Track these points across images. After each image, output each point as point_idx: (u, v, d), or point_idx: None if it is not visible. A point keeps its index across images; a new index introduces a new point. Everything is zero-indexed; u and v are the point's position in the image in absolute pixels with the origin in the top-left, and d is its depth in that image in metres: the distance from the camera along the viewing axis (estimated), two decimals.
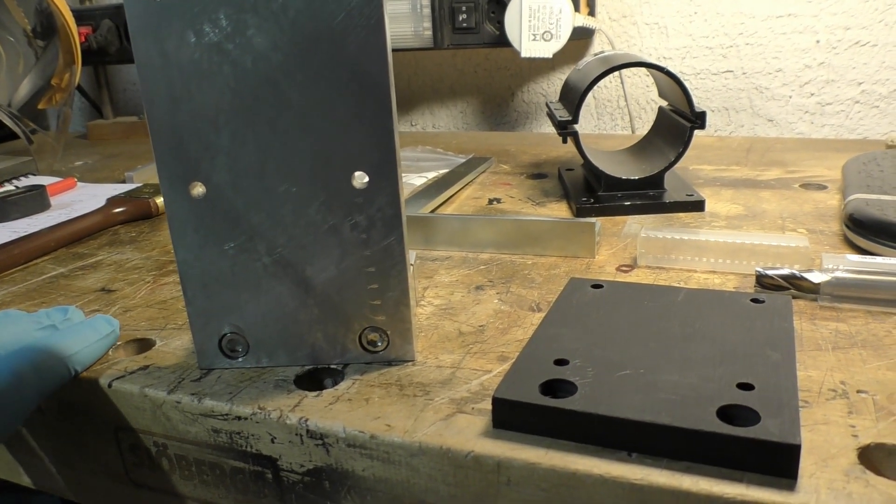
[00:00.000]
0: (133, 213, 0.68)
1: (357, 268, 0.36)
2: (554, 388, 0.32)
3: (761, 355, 0.34)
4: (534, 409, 0.31)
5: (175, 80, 0.34)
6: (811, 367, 0.36)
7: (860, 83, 0.89)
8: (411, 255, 0.45)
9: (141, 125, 1.13)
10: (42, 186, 0.74)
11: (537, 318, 0.42)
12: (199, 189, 0.36)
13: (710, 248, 0.48)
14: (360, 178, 0.35)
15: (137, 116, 1.15)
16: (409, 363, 0.38)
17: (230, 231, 0.36)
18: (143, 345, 0.43)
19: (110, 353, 0.42)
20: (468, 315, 0.43)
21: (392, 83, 0.33)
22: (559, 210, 0.62)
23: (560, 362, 0.34)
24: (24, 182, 0.82)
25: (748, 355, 0.34)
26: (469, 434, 0.31)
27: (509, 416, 0.31)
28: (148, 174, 0.83)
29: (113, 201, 0.69)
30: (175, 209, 0.36)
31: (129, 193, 0.71)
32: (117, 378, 0.39)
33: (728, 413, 0.30)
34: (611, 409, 0.30)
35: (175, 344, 0.43)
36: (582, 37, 0.94)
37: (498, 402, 0.32)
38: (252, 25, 0.33)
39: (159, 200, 0.69)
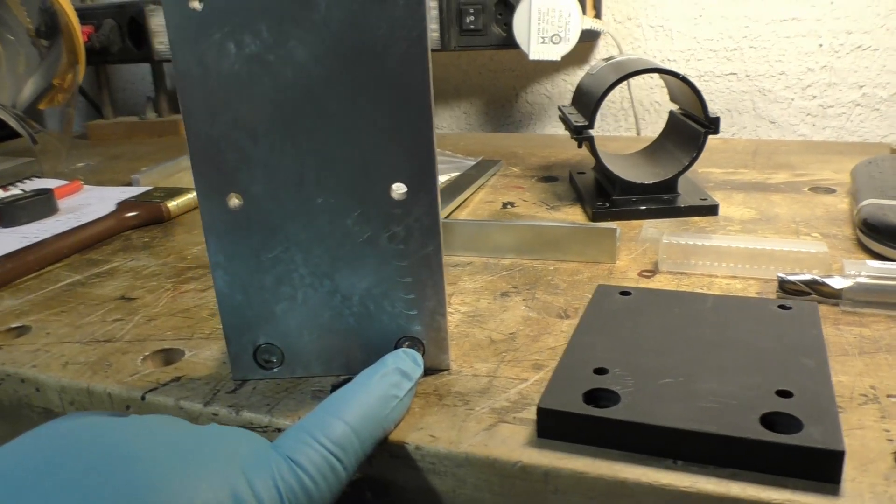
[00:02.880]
0: (145, 218, 0.68)
1: (394, 278, 0.37)
2: (596, 396, 0.32)
3: (795, 362, 0.34)
4: (578, 419, 0.31)
5: (214, 91, 0.34)
6: (840, 372, 0.36)
7: (861, 86, 0.90)
8: None
9: (142, 125, 1.12)
10: (50, 190, 0.73)
11: (566, 325, 0.43)
12: (235, 200, 0.36)
13: (730, 253, 0.48)
14: (399, 189, 0.35)
15: (138, 116, 1.14)
16: (445, 372, 0.38)
17: (267, 242, 0.36)
18: (172, 355, 0.43)
19: (139, 362, 0.42)
20: (497, 322, 0.43)
21: (432, 95, 0.34)
22: (574, 214, 0.63)
23: (599, 371, 0.34)
24: (30, 185, 0.81)
25: (783, 362, 0.34)
26: (514, 444, 0.32)
27: (554, 426, 0.32)
28: (155, 176, 0.83)
29: (124, 205, 0.69)
30: (211, 220, 0.36)
31: (139, 197, 0.71)
32: (150, 390, 0.39)
33: (770, 420, 0.30)
34: (655, 418, 0.30)
35: (205, 354, 0.43)
36: (588, 39, 0.94)
37: (542, 412, 0.32)
38: (293, 37, 0.33)
39: (171, 204, 0.69)
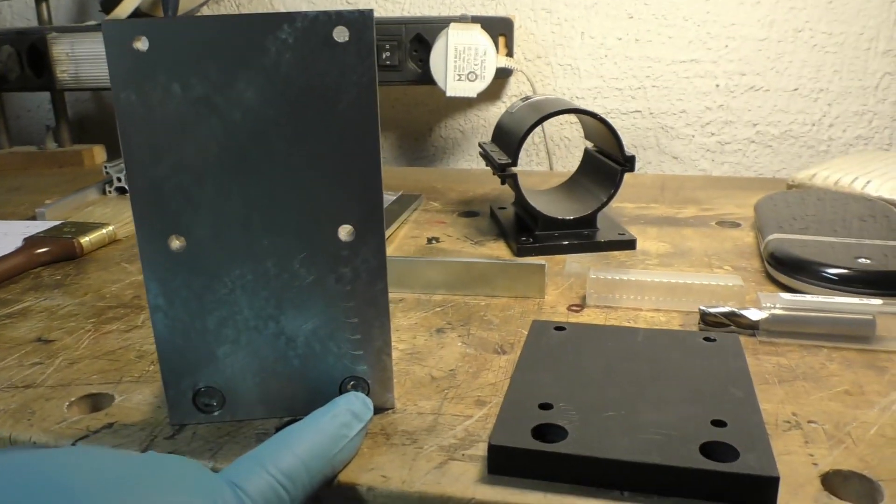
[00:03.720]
0: (57, 254, 0.65)
1: (340, 319, 0.37)
2: (544, 431, 0.33)
3: (726, 392, 0.36)
4: (529, 455, 0.32)
5: (158, 133, 0.33)
6: (763, 400, 0.39)
7: (755, 124, 0.97)
8: None
9: (42, 155, 1.07)
10: None
11: (504, 360, 0.44)
12: (178, 242, 0.35)
13: (652, 287, 0.51)
14: (346, 231, 0.35)
15: (37, 146, 1.09)
16: (390, 411, 0.39)
17: (210, 284, 0.36)
18: (100, 400, 0.41)
19: (65, 409, 0.40)
20: (436, 359, 0.44)
21: (379, 139, 0.34)
22: (498, 249, 0.64)
23: (544, 406, 0.35)
24: None
25: (714, 393, 0.36)
26: (466, 481, 0.32)
27: (505, 462, 0.33)
28: (62, 210, 0.79)
29: (31, 241, 0.66)
30: (153, 262, 0.35)
31: (47, 232, 0.68)
32: (81, 438, 0.37)
33: (708, 449, 0.32)
34: (603, 451, 0.32)
35: (136, 399, 0.41)
36: (501, 76, 0.97)
37: (493, 449, 0.33)
38: (242, 79, 0.33)
39: (84, 240, 0.66)
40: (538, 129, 1.02)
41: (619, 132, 0.62)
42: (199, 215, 0.35)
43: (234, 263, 0.35)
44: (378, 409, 0.38)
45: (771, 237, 0.58)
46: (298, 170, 0.34)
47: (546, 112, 0.62)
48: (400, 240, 0.67)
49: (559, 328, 0.44)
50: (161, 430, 0.38)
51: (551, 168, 1.02)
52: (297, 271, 0.36)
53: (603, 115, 0.62)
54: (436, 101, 1.05)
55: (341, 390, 0.38)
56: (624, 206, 0.77)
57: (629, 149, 0.99)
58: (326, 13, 0.32)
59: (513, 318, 0.49)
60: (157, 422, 0.39)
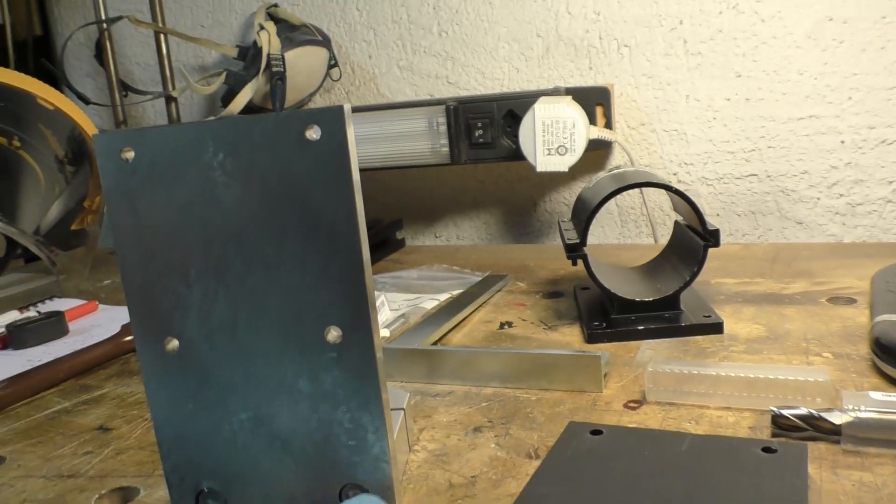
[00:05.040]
0: None
1: (333, 423, 0.35)
2: None
3: None
4: None
5: (146, 238, 0.34)
6: None
7: (891, 182, 0.87)
8: (404, 397, 0.44)
9: None
10: (60, 313, 0.75)
11: (533, 466, 0.40)
12: (172, 344, 0.35)
13: (723, 381, 0.45)
14: (334, 333, 0.34)
15: None
16: None
17: (203, 387, 0.35)
18: (129, 493, 0.42)
19: (93, 502, 0.41)
20: (461, 463, 0.41)
21: (363, 236, 0.33)
22: (571, 335, 0.60)
23: None
24: (47, 306, 0.83)
25: None
26: None
27: None
28: None
29: (126, 328, 0.69)
30: (149, 364, 0.35)
31: None
32: None
33: None
34: None
35: (158, 494, 0.41)
36: (600, 147, 0.93)
37: None
38: (221, 183, 0.33)
39: None
40: (639, 199, 0.97)
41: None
42: (188, 318, 0.34)
43: (225, 366, 0.35)
44: None
45: (879, 318, 0.50)
46: (281, 272, 0.33)
47: (617, 187, 0.58)
48: (473, 325, 0.65)
49: (595, 432, 0.40)
50: None
51: (656, 240, 0.96)
52: (287, 373, 0.34)
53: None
54: (538, 176, 1.02)
55: (341, 498, 0.36)
56: (724, 282, 0.70)
57: (746, 216, 0.92)
58: (297, 112, 0.32)
59: (559, 417, 0.45)
60: None
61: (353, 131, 0.32)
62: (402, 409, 0.42)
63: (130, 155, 0.33)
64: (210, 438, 0.36)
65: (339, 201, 0.32)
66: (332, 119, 0.31)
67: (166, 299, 0.34)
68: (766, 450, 0.37)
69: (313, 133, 0.32)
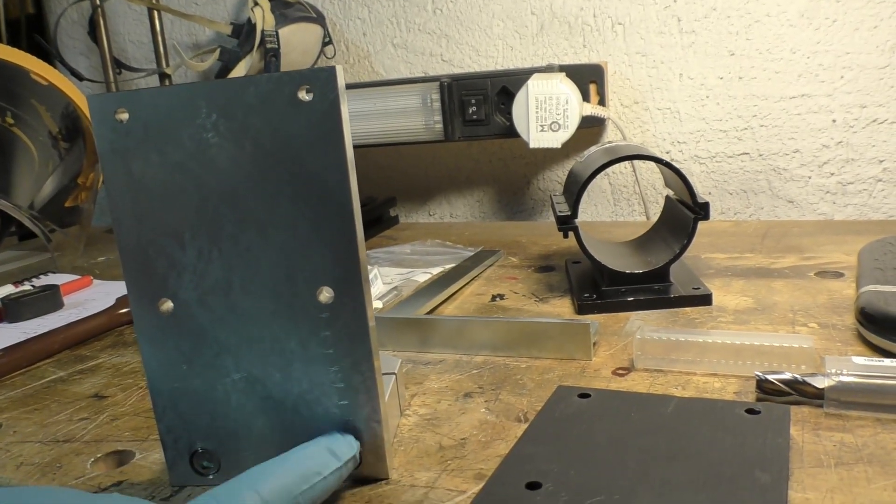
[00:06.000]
0: None
1: (326, 384, 0.35)
2: None
3: (749, 477, 0.31)
4: None
5: (141, 199, 0.34)
6: (810, 487, 0.33)
7: (881, 161, 0.87)
8: (395, 363, 0.44)
9: None
10: (55, 286, 0.75)
11: (522, 429, 0.40)
12: (167, 305, 0.35)
13: (710, 348, 0.46)
14: (326, 294, 0.34)
15: None
16: (383, 481, 0.36)
17: (198, 347, 0.36)
18: (124, 457, 0.43)
19: (89, 465, 0.42)
20: (451, 427, 0.42)
21: (355, 198, 0.33)
22: (562, 306, 0.61)
23: (532, 486, 0.32)
24: (42, 280, 0.83)
25: (734, 477, 0.31)
26: None
27: None
28: None
29: (121, 300, 0.70)
30: (144, 325, 0.36)
31: None
32: None
33: None
34: None
35: (153, 457, 0.42)
36: (593, 125, 0.94)
37: None
38: (214, 144, 0.33)
39: None
40: (632, 178, 0.98)
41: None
42: (183, 279, 0.35)
43: (220, 326, 0.35)
44: (371, 479, 0.36)
45: (864, 289, 0.51)
46: (273, 233, 0.34)
47: (608, 159, 0.59)
48: (464, 297, 0.66)
49: (584, 395, 0.40)
50: (161, 490, 0.38)
51: (648, 217, 0.96)
52: (280, 334, 0.35)
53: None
54: (533, 154, 1.03)
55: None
56: (714, 257, 0.71)
57: (738, 194, 0.93)
58: (290, 73, 0.32)
59: (549, 383, 0.46)
60: (161, 482, 0.39)
61: (345, 92, 0.32)
62: (394, 373, 0.43)
63: (124, 116, 0.33)
64: (204, 399, 0.36)
65: (331, 162, 0.32)
66: (325, 80, 0.32)
67: (161, 261, 0.35)
68: (750, 411, 0.37)
69: (306, 94, 0.32)
